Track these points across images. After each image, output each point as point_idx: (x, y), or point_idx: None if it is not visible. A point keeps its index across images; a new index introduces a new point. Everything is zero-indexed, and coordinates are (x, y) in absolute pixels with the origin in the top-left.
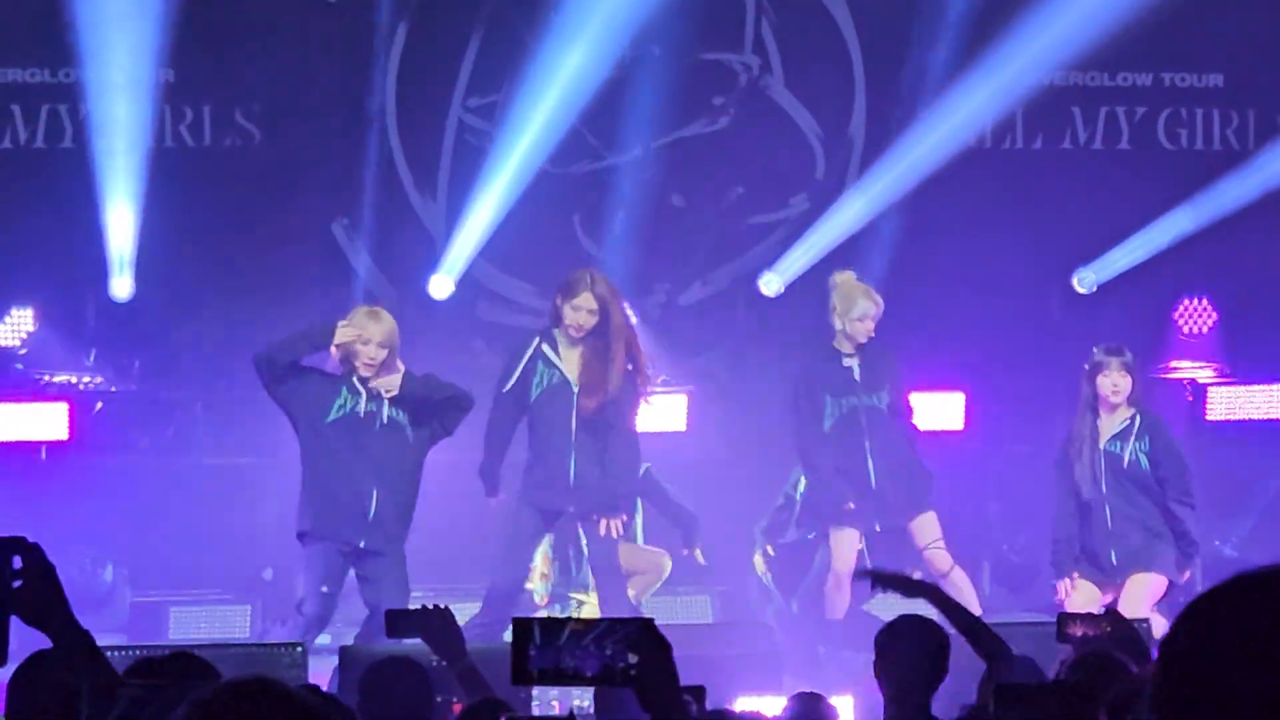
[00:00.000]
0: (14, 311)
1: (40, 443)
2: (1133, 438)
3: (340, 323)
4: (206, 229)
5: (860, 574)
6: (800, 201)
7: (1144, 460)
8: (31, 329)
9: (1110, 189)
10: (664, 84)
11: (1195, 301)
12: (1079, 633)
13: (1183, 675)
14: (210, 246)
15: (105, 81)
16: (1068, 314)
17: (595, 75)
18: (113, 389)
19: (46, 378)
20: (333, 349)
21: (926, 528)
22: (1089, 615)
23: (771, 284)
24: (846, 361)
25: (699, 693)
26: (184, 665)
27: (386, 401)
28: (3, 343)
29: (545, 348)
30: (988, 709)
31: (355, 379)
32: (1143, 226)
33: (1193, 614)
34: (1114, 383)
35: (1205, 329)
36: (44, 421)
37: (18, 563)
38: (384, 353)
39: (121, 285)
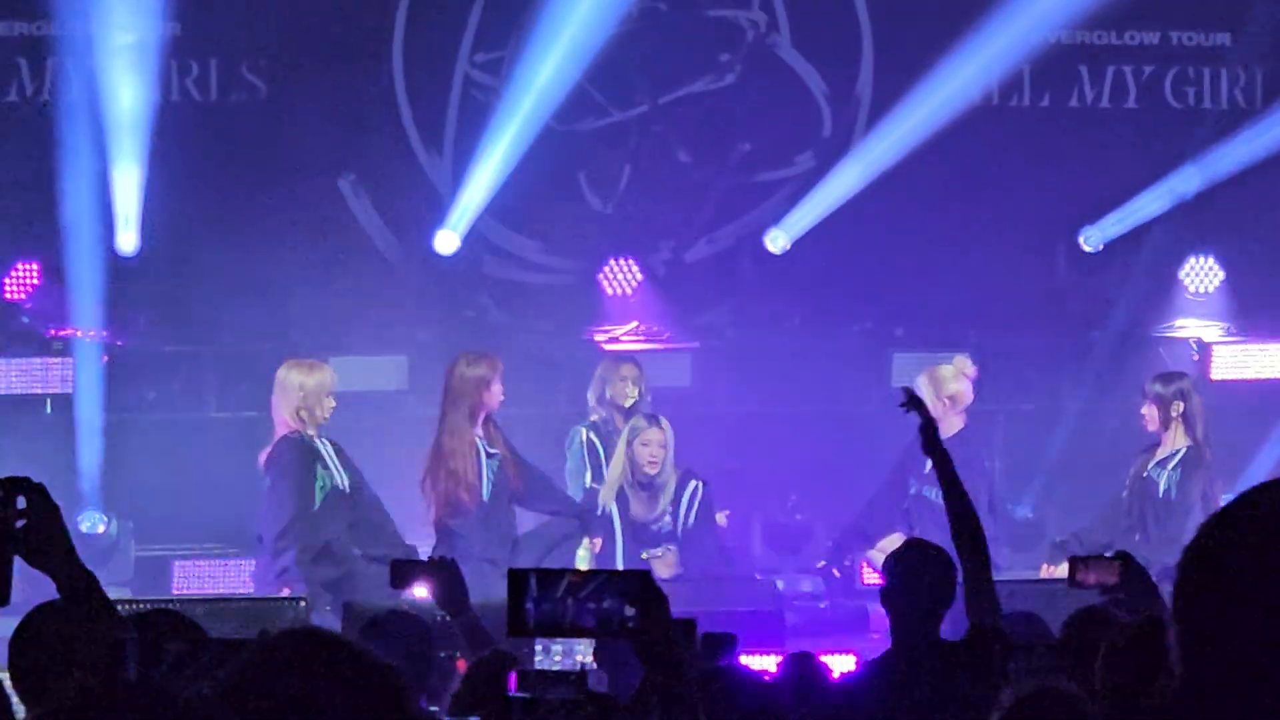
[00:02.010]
0: (20, 265)
1: (45, 396)
2: (1169, 467)
3: (295, 380)
4: (212, 184)
5: (905, 390)
6: (806, 159)
7: (1174, 491)
8: (37, 283)
9: (1117, 147)
10: (670, 40)
11: (1202, 260)
12: (1091, 579)
13: (1202, 576)
14: (216, 201)
15: (112, 35)
16: (1074, 272)
17: (602, 31)
18: (119, 343)
19: (52, 332)
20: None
21: None
22: (1100, 559)
23: (777, 241)
24: None
25: (690, 625)
26: (160, 620)
27: (341, 470)
28: (9, 297)
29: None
30: (982, 626)
31: (321, 448)
32: (1149, 185)
33: (1216, 521)
34: (1143, 410)
35: (1211, 288)
36: (50, 374)
37: (21, 503)
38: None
39: (127, 240)
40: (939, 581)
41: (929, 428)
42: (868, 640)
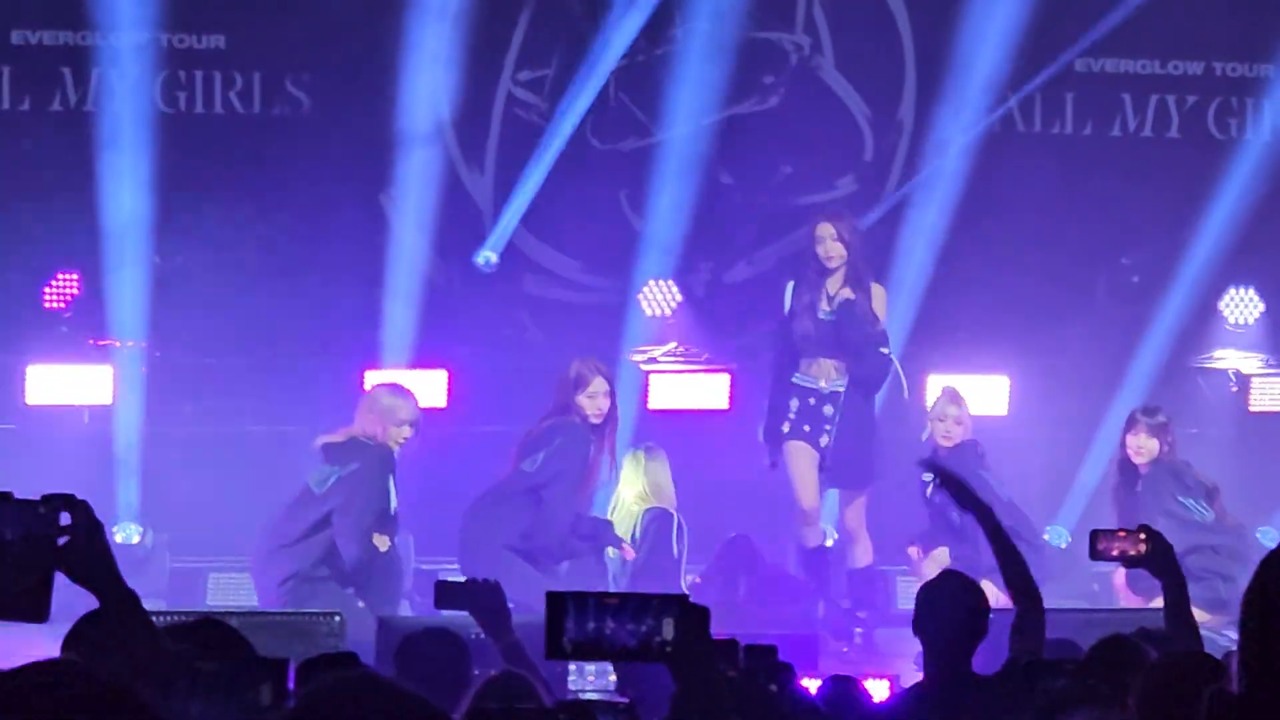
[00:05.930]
0: (60, 275)
1: (84, 406)
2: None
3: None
4: (254, 196)
5: (925, 463)
6: (848, 183)
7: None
8: (77, 293)
9: (1159, 177)
10: (714, 62)
11: (1242, 291)
12: (1115, 550)
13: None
14: (257, 214)
15: (156, 46)
16: (1113, 301)
17: (646, 52)
18: (158, 354)
19: (92, 342)
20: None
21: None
22: (1123, 531)
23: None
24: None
25: (732, 646)
26: (209, 633)
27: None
28: (49, 306)
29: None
30: (1020, 659)
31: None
32: (1191, 215)
33: None
34: (1140, 444)
35: (1251, 319)
36: (89, 385)
37: (65, 519)
38: (413, 430)
39: (168, 251)
40: (970, 613)
41: (955, 486)
42: (904, 665)
